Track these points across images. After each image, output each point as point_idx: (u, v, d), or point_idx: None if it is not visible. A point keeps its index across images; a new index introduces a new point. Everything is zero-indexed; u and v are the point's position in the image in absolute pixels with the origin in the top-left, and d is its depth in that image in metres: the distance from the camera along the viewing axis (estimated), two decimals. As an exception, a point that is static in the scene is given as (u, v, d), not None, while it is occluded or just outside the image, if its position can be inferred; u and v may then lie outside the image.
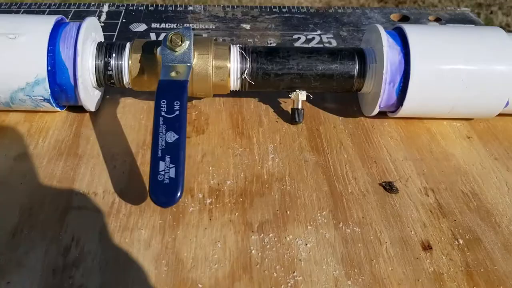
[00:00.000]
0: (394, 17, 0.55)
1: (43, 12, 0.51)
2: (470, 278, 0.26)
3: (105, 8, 0.53)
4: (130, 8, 0.53)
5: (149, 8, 0.53)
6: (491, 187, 0.32)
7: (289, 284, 0.25)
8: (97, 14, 0.52)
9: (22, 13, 0.51)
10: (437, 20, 0.55)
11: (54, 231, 0.27)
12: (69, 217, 0.28)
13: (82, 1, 0.56)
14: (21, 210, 0.28)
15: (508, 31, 0.35)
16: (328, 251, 0.27)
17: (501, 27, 0.35)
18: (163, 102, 0.28)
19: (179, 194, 0.27)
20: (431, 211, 0.30)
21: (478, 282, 0.26)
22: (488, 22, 1.98)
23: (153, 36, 0.48)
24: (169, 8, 0.53)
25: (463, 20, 0.55)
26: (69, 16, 0.51)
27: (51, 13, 0.51)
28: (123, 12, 0.52)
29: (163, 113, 0.28)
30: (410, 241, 0.28)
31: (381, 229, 0.29)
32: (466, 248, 0.28)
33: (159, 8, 0.53)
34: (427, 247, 0.28)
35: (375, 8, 0.57)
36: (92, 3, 0.54)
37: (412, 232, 0.28)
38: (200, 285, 0.25)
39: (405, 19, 0.55)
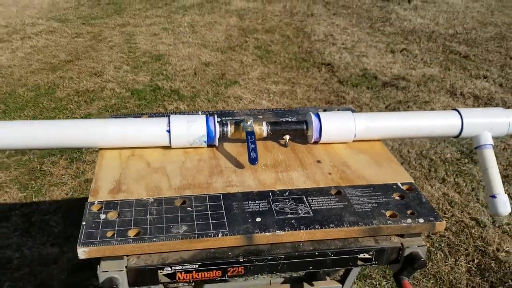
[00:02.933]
0: (321, 110, 1.26)
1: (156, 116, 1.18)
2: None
3: (199, 113, 1.21)
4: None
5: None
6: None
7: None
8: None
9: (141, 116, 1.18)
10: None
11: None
12: (214, 177, 0.94)
13: (180, 111, 1.24)
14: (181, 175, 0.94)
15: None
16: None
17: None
18: (249, 136, 0.96)
19: (256, 162, 0.93)
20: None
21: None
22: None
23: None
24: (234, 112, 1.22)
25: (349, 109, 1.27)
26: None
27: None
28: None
29: (249, 138, 0.96)
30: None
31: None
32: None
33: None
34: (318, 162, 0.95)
35: (315, 107, 1.28)
36: (192, 111, 1.22)
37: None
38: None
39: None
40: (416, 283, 1.79)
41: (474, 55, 4.24)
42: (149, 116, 1.10)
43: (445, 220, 1.98)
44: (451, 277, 1.81)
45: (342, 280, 1.16)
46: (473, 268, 1.87)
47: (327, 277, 1.31)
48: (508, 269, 1.86)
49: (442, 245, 1.97)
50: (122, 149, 1.00)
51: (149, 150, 1.01)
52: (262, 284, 1.47)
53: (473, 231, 2.05)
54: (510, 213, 0.95)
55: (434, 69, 3.89)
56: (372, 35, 4.80)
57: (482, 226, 2.09)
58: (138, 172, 0.94)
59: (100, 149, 1.00)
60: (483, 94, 3.36)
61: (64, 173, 2.36)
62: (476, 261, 1.90)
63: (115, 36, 4.61)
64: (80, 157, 2.50)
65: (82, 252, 0.75)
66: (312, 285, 1.20)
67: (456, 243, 1.99)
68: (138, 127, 0.98)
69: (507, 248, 1.96)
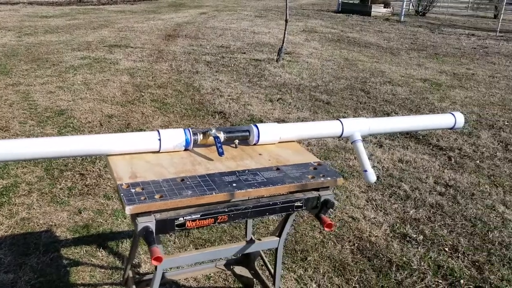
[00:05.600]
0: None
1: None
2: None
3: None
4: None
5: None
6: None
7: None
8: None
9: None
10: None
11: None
12: (196, 166, 1.40)
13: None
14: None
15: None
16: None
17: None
18: (216, 139, 1.45)
19: (223, 155, 1.41)
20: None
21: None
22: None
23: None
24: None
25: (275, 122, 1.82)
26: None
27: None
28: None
29: (216, 140, 1.44)
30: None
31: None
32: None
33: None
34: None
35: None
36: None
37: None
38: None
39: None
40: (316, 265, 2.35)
41: (333, 101, 5.25)
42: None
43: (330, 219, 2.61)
44: (341, 257, 2.42)
45: (279, 234, 1.65)
46: (355, 250, 2.50)
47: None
48: (378, 247, 2.53)
49: (331, 236, 2.59)
50: (123, 154, 1.41)
51: (143, 154, 1.43)
52: (209, 267, 1.89)
53: (351, 224, 2.72)
54: (376, 181, 1.57)
55: (305, 113, 4.75)
56: (252, 88, 5.60)
57: (356, 221, 2.77)
58: (143, 166, 1.35)
59: (108, 155, 1.39)
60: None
61: (-4, 215, 2.49)
62: (356, 244, 2.55)
63: (10, 95, 4.67)
64: (8, 201, 2.65)
65: (128, 209, 1.15)
66: (254, 241, 1.66)
67: (340, 234, 2.63)
68: (136, 139, 1.40)
69: (376, 234, 2.65)
